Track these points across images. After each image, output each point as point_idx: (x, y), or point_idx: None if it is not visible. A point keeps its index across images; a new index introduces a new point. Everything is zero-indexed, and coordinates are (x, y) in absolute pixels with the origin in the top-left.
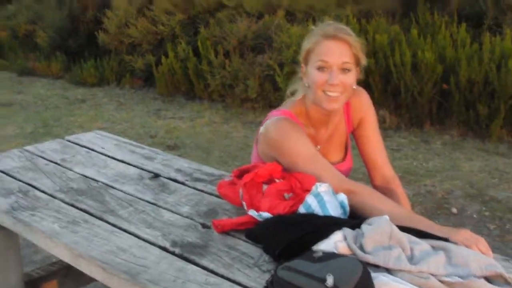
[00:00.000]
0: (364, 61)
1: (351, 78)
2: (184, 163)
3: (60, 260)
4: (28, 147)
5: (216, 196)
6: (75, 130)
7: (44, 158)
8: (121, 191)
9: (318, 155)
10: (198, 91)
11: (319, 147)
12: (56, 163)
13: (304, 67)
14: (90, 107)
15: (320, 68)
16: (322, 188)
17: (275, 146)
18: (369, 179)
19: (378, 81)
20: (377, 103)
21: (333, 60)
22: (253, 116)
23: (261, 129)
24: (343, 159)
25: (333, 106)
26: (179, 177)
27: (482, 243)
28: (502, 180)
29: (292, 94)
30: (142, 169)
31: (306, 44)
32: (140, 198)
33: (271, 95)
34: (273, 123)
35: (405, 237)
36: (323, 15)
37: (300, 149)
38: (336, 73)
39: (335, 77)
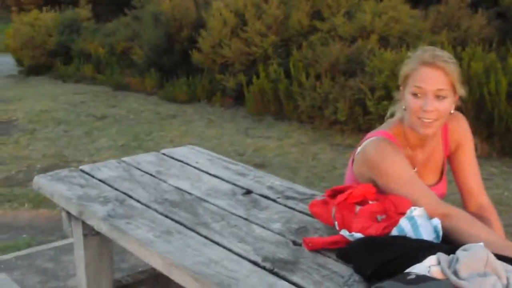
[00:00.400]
0: (460, 90)
1: (446, 104)
2: (276, 181)
3: (149, 269)
4: (125, 158)
5: (307, 214)
6: (166, 144)
7: (140, 170)
8: (214, 205)
9: (415, 177)
10: (288, 111)
11: (416, 169)
12: (151, 174)
13: (402, 90)
14: (181, 123)
15: (415, 94)
16: (416, 212)
17: (373, 166)
18: (463, 205)
19: (471, 108)
20: None
21: (428, 86)
22: (341, 139)
23: (359, 149)
24: (437, 183)
25: (427, 131)
26: (271, 194)
27: None
28: None
29: (392, 116)
30: (235, 184)
31: (404, 69)
32: (232, 213)
33: (360, 118)
34: (372, 143)
35: (501, 265)
36: (417, 41)
37: (398, 171)
38: (431, 100)
39: (429, 104)
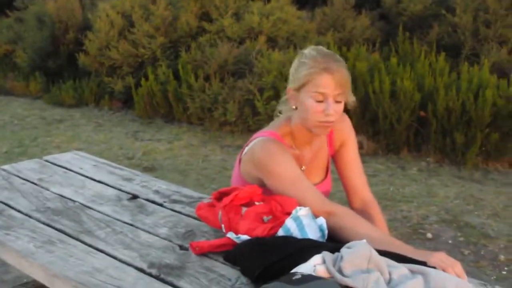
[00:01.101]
0: (350, 95)
1: (342, 107)
2: (163, 185)
3: (32, 281)
4: (5, 166)
5: (194, 218)
6: (52, 150)
7: (21, 178)
8: (99, 211)
9: (302, 176)
10: (177, 114)
11: (303, 167)
12: (33, 182)
13: (292, 91)
14: (68, 127)
15: (318, 99)
16: (302, 211)
17: (260, 166)
18: (348, 202)
19: (357, 107)
20: (355, 129)
21: (330, 92)
22: (231, 140)
23: (246, 149)
24: (323, 180)
25: (326, 132)
26: (157, 199)
27: (458, 266)
28: (476, 206)
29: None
30: (120, 190)
31: (303, 72)
32: (117, 219)
33: (249, 119)
34: (260, 144)
35: (384, 261)
36: (304, 42)
37: (285, 171)
38: (332, 104)
39: (331, 108)
